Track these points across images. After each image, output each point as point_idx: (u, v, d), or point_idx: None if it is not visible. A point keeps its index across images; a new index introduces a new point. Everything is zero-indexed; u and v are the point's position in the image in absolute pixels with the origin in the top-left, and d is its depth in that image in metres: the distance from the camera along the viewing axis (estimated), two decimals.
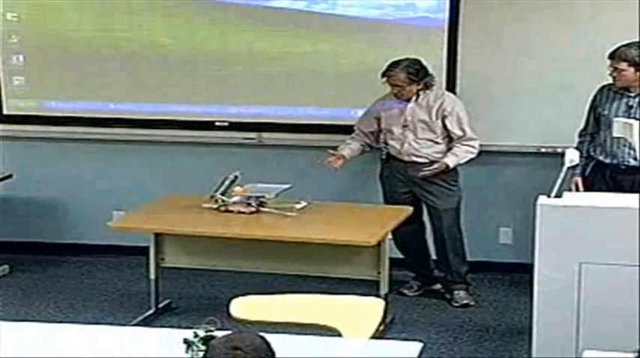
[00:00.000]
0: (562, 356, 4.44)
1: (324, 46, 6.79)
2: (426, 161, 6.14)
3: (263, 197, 5.79)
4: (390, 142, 6.22)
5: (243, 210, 5.75)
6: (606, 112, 5.75)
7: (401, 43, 6.61)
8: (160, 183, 6.89)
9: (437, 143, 6.15)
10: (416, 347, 3.47)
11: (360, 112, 6.47)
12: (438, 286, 6.45)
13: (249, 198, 5.79)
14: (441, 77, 6.49)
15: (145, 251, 6.01)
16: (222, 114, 6.98)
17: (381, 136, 6.28)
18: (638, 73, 5.62)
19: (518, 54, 6.55)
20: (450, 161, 6.10)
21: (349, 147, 6.28)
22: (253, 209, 5.75)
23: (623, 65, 5.61)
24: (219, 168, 6.24)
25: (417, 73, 6.06)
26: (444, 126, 6.11)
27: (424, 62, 6.11)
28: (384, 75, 6.08)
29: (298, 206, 5.80)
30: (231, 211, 5.75)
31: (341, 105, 6.81)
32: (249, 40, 6.87)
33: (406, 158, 6.17)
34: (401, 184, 6.23)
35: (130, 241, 6.72)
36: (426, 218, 6.36)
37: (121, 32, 6.98)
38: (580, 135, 5.95)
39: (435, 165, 6.09)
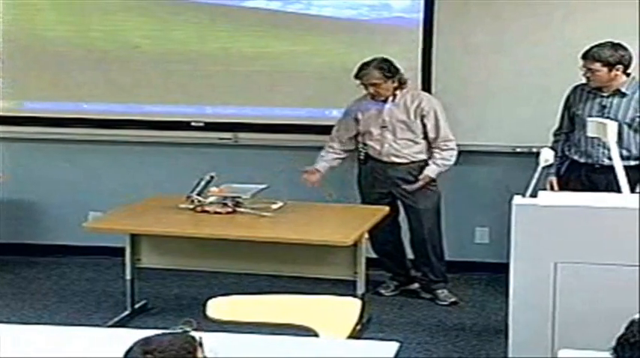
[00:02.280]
0: (538, 354, 4.45)
1: (299, 46, 6.80)
2: (406, 161, 6.17)
3: (239, 197, 5.79)
4: (369, 143, 6.22)
5: (219, 210, 5.74)
6: (580, 112, 5.78)
7: (376, 43, 6.62)
8: (136, 183, 6.87)
9: (416, 143, 6.16)
10: (392, 346, 3.47)
11: (336, 112, 6.47)
12: (415, 286, 6.47)
13: (225, 198, 5.78)
14: (416, 77, 6.51)
15: (120, 252, 5.99)
16: (198, 115, 6.97)
17: (359, 138, 6.28)
18: (611, 73, 5.65)
19: (493, 54, 6.57)
20: (432, 172, 6.13)
21: (323, 159, 6.28)
22: (229, 209, 5.74)
23: (597, 65, 5.64)
24: (195, 168, 6.24)
25: (389, 69, 6.07)
26: (424, 125, 6.12)
27: (393, 60, 6.12)
28: (357, 76, 6.08)
29: (274, 206, 5.80)
30: (208, 211, 5.75)
31: (316, 106, 6.82)
32: (224, 40, 6.87)
33: (385, 159, 6.18)
34: (379, 185, 6.23)
35: (106, 242, 6.70)
36: (402, 218, 6.36)
37: (97, 32, 6.97)
38: (554, 135, 5.97)
39: (420, 182, 6.12)
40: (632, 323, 2.69)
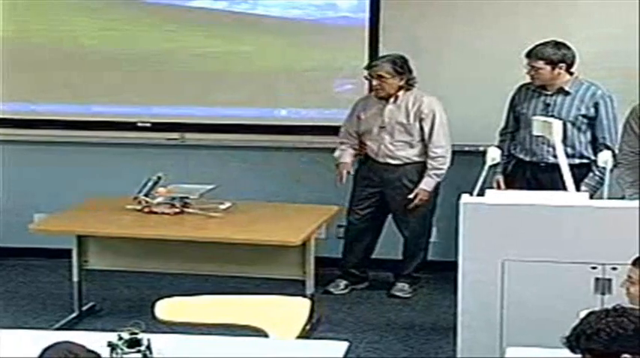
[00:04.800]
0: (486, 352, 4.48)
1: (246, 46, 6.78)
2: (400, 163, 6.17)
3: (187, 198, 5.77)
4: (368, 143, 6.24)
5: (167, 211, 5.72)
6: (525, 111, 5.83)
7: (322, 42, 6.63)
8: (83, 184, 6.81)
9: (412, 146, 6.16)
10: (342, 346, 3.48)
11: (284, 112, 6.48)
12: (365, 285, 6.48)
13: (172, 198, 5.76)
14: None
15: (67, 253, 5.94)
16: (145, 115, 6.93)
17: (361, 137, 6.28)
18: (554, 71, 5.71)
19: (439, 53, 6.59)
20: (427, 185, 6.14)
21: (348, 153, 6.27)
22: (177, 210, 5.72)
23: (540, 64, 5.69)
24: (142, 169, 6.20)
25: (402, 66, 6.08)
26: (421, 128, 6.13)
27: (410, 61, 6.14)
28: (369, 67, 6.11)
29: (222, 206, 5.79)
30: (155, 212, 5.72)
31: (263, 105, 6.81)
32: (170, 40, 6.83)
33: (381, 159, 6.19)
34: (372, 184, 6.25)
35: (52, 244, 6.62)
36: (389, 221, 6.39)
37: (42, 32, 6.90)
38: (501, 134, 6.02)
39: (418, 198, 6.13)
40: (589, 314, 2.71)
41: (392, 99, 6.15)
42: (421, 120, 6.12)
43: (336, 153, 6.30)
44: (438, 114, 6.13)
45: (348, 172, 6.28)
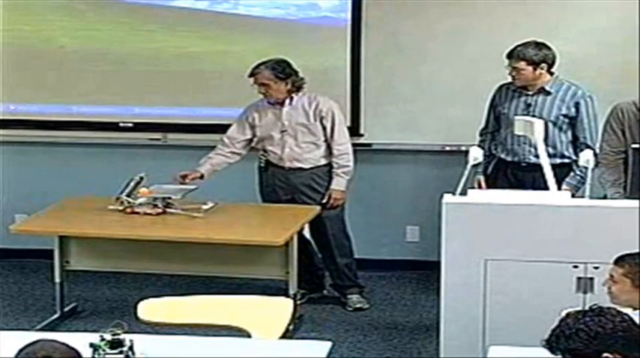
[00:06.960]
0: (469, 351, 4.50)
1: (228, 46, 6.78)
2: (309, 166, 6.08)
3: (169, 198, 5.76)
4: (269, 148, 6.12)
5: (149, 211, 5.71)
6: (506, 111, 5.84)
7: (304, 42, 6.63)
8: (64, 185, 6.78)
9: (318, 146, 6.08)
10: (325, 346, 3.49)
11: None
12: (324, 292, 6.35)
13: (155, 199, 5.75)
14: (345, 76, 6.54)
15: (49, 254, 5.92)
16: (127, 115, 6.92)
17: (259, 144, 6.18)
18: (536, 72, 5.71)
19: (421, 52, 6.60)
20: (339, 185, 6.06)
21: (210, 162, 6.16)
22: (160, 210, 5.71)
23: (522, 64, 5.70)
24: (124, 169, 6.19)
25: (283, 70, 5.98)
26: (323, 128, 6.08)
27: (293, 64, 6.04)
28: (250, 75, 6.01)
29: (205, 207, 5.78)
30: (137, 213, 5.71)
31: (245, 105, 6.79)
32: (152, 40, 6.82)
33: (288, 164, 6.09)
34: (282, 192, 6.13)
35: (33, 244, 6.60)
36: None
37: (23, 32, 6.88)
38: (481, 134, 6.02)
39: (332, 199, 6.04)
40: (567, 315, 2.73)
41: (287, 102, 6.05)
42: (322, 119, 6.05)
43: (202, 160, 6.17)
44: (336, 112, 6.07)
45: (195, 178, 6.07)
